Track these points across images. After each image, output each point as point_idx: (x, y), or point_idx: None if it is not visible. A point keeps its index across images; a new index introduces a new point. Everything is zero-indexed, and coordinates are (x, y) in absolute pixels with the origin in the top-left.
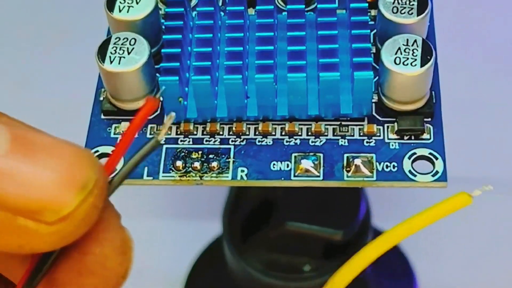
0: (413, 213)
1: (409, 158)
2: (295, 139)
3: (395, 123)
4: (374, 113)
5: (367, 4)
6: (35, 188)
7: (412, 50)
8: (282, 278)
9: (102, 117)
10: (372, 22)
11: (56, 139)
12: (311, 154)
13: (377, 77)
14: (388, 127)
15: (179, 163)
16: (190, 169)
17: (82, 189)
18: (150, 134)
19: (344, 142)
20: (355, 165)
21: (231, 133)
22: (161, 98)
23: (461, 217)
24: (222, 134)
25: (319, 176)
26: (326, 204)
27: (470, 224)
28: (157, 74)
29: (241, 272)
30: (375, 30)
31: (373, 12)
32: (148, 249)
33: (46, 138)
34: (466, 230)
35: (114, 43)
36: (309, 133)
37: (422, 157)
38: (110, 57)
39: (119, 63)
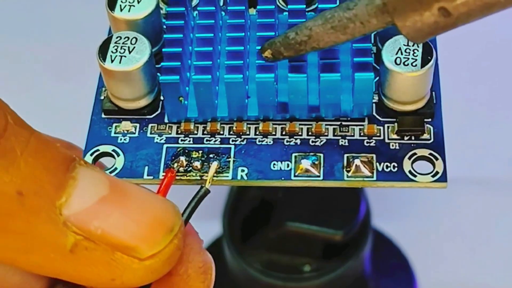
0: (413, 213)
1: (409, 158)
2: (296, 139)
3: (396, 124)
4: (374, 113)
5: None
6: (133, 227)
7: (413, 50)
8: (282, 278)
9: (103, 116)
10: None
11: (143, 189)
12: (311, 154)
13: (377, 78)
14: (388, 127)
15: (182, 158)
16: (191, 168)
17: (169, 232)
18: (151, 133)
19: (345, 142)
20: (355, 165)
21: (231, 132)
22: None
23: (461, 217)
24: (223, 134)
25: (319, 176)
26: (326, 205)
27: (470, 224)
28: (158, 74)
29: (241, 272)
30: None
31: None
32: None
33: (136, 188)
34: (466, 230)
35: (115, 42)
36: (310, 133)
37: (422, 158)
38: (111, 56)
39: (120, 62)
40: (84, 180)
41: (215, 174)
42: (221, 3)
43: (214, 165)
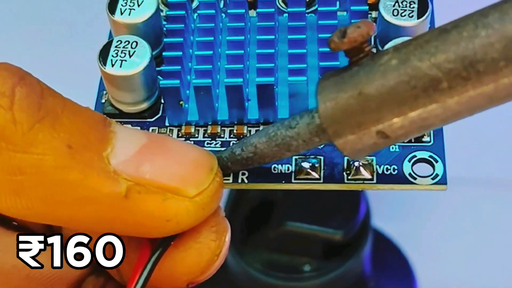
0: (412, 213)
1: (409, 161)
2: None
3: None
4: None
5: (367, 7)
6: (178, 169)
7: None
8: (282, 278)
9: None
10: None
11: (176, 138)
12: (312, 156)
13: None
14: None
15: None
16: None
17: (211, 170)
18: None
19: None
20: (355, 167)
21: (232, 135)
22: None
23: (461, 217)
24: (223, 137)
25: (319, 179)
26: (326, 205)
27: (470, 224)
28: (159, 77)
29: (241, 272)
30: (375, 32)
31: (374, 14)
32: None
33: (169, 137)
34: (466, 230)
35: (116, 46)
36: None
37: (422, 160)
38: (111, 60)
39: (120, 66)
40: (122, 132)
41: None
42: (221, 5)
43: None
